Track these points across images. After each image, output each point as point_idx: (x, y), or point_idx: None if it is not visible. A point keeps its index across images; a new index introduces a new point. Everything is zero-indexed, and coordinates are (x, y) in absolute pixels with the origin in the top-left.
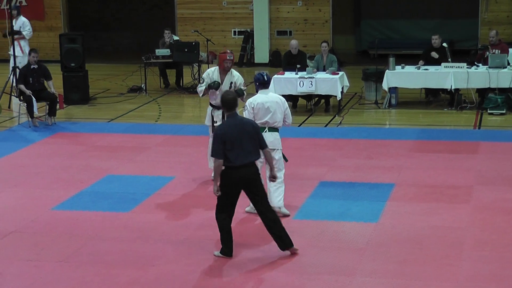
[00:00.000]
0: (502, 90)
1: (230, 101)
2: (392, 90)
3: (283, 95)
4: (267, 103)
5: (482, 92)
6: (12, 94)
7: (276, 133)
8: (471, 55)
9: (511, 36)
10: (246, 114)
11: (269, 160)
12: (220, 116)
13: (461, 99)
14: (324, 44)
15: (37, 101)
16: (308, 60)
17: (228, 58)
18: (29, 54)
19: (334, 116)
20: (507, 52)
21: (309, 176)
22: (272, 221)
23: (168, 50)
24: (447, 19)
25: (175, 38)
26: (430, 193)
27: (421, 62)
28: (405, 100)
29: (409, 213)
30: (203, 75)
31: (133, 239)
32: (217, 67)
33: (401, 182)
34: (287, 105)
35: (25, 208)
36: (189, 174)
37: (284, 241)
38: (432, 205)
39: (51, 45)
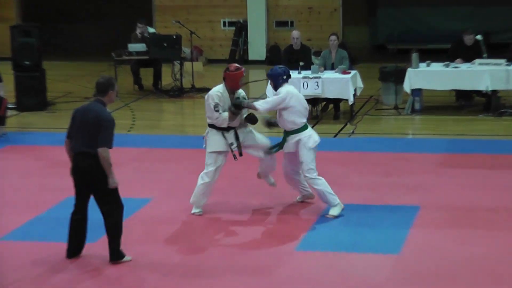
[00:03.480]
0: None
1: (103, 84)
2: (416, 92)
3: None
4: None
5: None
6: None
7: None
8: (511, 49)
9: None
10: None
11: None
12: (233, 135)
13: (500, 103)
14: (333, 37)
15: None
16: (313, 57)
17: (244, 74)
18: None
19: (345, 124)
20: None
21: (315, 198)
22: (107, 229)
23: (144, 45)
24: (481, 6)
25: (151, 30)
26: (463, 217)
27: (458, 60)
28: (431, 105)
29: (437, 243)
30: (214, 100)
31: (100, 280)
32: (222, 85)
33: (428, 204)
34: None
35: None
36: (170, 195)
37: (112, 255)
38: (465, 232)
39: (1, 39)
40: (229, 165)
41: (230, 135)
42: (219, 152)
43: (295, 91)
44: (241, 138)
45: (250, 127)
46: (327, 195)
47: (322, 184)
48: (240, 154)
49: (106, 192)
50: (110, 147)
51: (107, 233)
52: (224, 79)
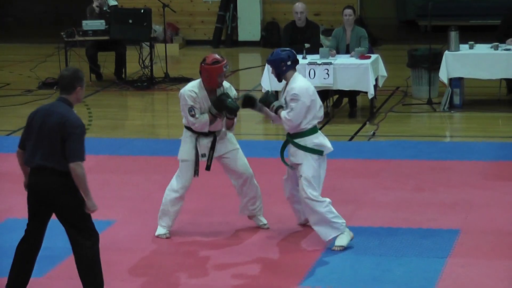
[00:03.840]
0: None
1: (68, 78)
2: (455, 82)
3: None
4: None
5: None
6: None
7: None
8: None
9: None
10: (298, 110)
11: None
12: (209, 145)
13: None
14: (348, 11)
15: None
16: (322, 37)
17: (224, 69)
18: None
19: (364, 124)
20: None
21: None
22: (78, 266)
23: (103, 21)
24: None
25: (112, 3)
26: None
27: (510, 40)
28: (475, 98)
29: (482, 276)
30: (188, 102)
31: None
32: (199, 81)
33: (470, 227)
34: None
35: None
36: (136, 216)
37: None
38: None
39: None
40: (216, 180)
41: (205, 143)
42: (188, 161)
43: (309, 84)
44: (219, 151)
45: (231, 133)
46: (330, 222)
47: (325, 207)
48: (207, 168)
49: (76, 218)
50: (84, 159)
51: (78, 271)
52: (200, 73)
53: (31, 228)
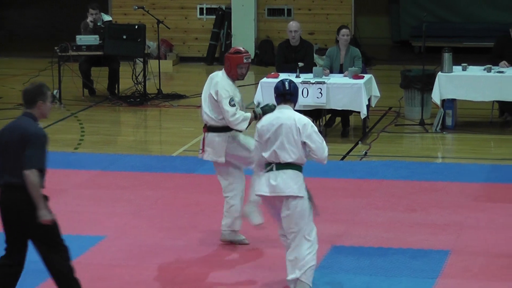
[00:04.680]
0: None
1: (29, 93)
2: (448, 104)
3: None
4: (276, 124)
5: None
6: None
7: (291, 171)
8: None
9: None
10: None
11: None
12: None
13: None
14: (345, 31)
15: None
16: (316, 56)
17: (245, 61)
18: None
19: (356, 144)
20: None
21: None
22: (52, 275)
23: (97, 37)
24: None
25: (107, 18)
26: (507, 266)
27: (503, 63)
28: (467, 120)
29: None
30: (228, 92)
31: None
32: (224, 73)
33: (461, 248)
34: (312, 128)
35: None
36: (128, 233)
37: None
38: (509, 286)
39: None
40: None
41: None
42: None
43: (269, 119)
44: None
45: None
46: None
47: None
48: None
49: (44, 234)
50: (40, 167)
51: (56, 286)
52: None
53: (8, 247)
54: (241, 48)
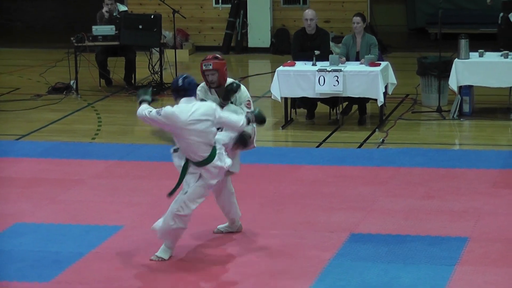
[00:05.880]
0: None
1: None
2: (465, 90)
3: (293, 98)
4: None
5: None
6: None
7: None
8: None
9: None
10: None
11: None
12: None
13: None
14: (357, 19)
15: None
16: (332, 44)
17: (204, 68)
18: None
19: (373, 131)
20: None
21: (334, 226)
22: None
23: (113, 27)
24: None
25: (122, 8)
26: None
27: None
28: (484, 106)
29: (490, 284)
30: (198, 95)
31: None
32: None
33: (479, 235)
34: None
35: None
36: (145, 222)
37: None
38: None
39: None
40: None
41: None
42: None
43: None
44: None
45: None
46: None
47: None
48: None
49: None
50: None
51: None
52: None
53: None
54: (209, 55)
